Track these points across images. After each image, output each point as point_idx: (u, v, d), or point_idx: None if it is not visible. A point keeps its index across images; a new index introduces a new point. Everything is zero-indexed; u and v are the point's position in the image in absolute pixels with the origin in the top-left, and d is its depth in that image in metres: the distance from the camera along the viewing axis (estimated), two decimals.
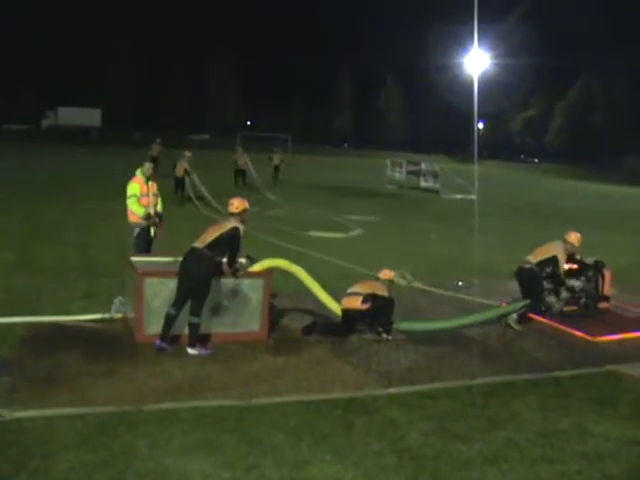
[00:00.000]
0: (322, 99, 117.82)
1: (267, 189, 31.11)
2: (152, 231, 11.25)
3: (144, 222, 11.08)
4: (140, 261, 9.62)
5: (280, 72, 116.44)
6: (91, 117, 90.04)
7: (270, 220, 21.11)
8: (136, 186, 11.08)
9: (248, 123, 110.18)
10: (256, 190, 30.52)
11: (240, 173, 33.65)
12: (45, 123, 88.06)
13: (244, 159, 34.03)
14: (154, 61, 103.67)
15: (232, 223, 8.93)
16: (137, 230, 11.10)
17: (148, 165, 11.39)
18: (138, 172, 11.32)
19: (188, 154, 27.47)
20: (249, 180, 33.46)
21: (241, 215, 9.10)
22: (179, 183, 26.69)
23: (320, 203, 28.33)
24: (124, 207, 11.30)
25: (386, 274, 10.46)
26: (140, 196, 11.07)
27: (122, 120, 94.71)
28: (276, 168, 37.45)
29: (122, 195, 11.31)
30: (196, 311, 8.68)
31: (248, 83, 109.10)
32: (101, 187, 27.89)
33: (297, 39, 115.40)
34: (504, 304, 11.50)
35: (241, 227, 8.94)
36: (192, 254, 8.74)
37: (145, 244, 11.12)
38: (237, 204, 9.11)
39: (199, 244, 8.77)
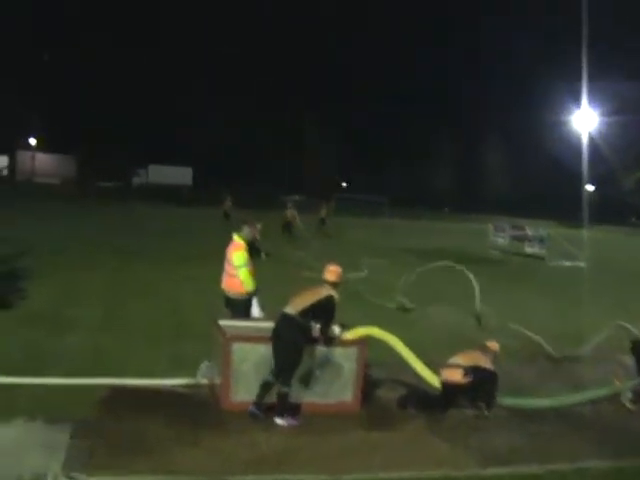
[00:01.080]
0: (420, 158, 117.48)
1: (373, 259, 28.67)
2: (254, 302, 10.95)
3: (249, 296, 10.65)
4: (228, 325, 9.57)
5: (377, 131, 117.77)
6: (182, 175, 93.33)
7: (361, 284, 20.47)
8: (244, 255, 10.54)
9: (344, 185, 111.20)
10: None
11: (287, 227, 36.61)
12: (136, 181, 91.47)
13: (293, 214, 37.42)
14: (246, 120, 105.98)
15: (327, 290, 8.98)
16: (240, 301, 10.58)
17: (247, 229, 10.86)
18: (237, 237, 10.78)
19: (258, 226, 28.88)
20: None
21: (336, 283, 9.18)
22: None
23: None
24: (217, 270, 11.13)
25: (493, 345, 10.07)
26: (248, 265, 10.67)
27: (214, 178, 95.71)
28: (322, 221, 40.83)
29: (214, 257, 11.28)
30: (286, 380, 8.58)
31: (344, 142, 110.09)
32: (193, 246, 28.23)
33: (391, 96, 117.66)
34: (618, 381, 10.90)
35: (336, 295, 8.96)
36: (284, 320, 8.70)
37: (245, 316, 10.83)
38: (335, 272, 9.24)
39: (291, 310, 8.73)
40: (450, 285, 20.93)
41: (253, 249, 20.01)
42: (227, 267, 10.62)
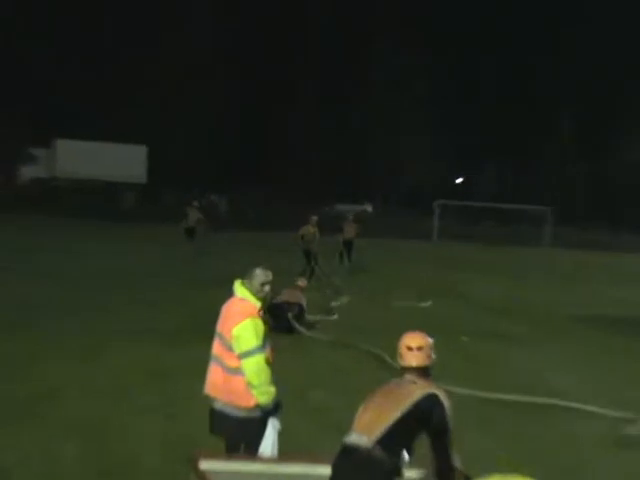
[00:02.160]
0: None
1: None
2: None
3: (263, 412, 6.38)
4: (221, 471, 5.56)
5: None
6: (126, 161, 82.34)
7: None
8: (257, 328, 6.26)
9: (458, 181, 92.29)
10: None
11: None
12: (29, 172, 74.83)
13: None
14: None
15: (422, 386, 5.28)
16: (247, 423, 6.28)
17: (262, 275, 6.42)
18: (242, 291, 6.43)
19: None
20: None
21: (428, 368, 5.52)
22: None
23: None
24: (192, 358, 8.50)
25: None
26: (264, 349, 6.36)
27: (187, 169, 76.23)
28: (347, 243, 28.72)
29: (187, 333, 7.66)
30: None
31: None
32: (139, 310, 18.20)
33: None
34: None
35: (441, 393, 5.25)
36: (352, 460, 5.03)
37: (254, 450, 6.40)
38: (419, 343, 5.53)
39: (363, 437, 5.07)
40: None
41: (273, 311, 14.53)
42: (220, 354, 6.43)
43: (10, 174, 64.46)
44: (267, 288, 6.45)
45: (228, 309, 6.47)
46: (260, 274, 6.45)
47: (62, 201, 56.57)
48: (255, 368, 6.18)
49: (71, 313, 16.48)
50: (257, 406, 6.27)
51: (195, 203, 31.34)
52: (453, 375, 11.32)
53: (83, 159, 63.08)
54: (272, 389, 6.29)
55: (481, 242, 53.07)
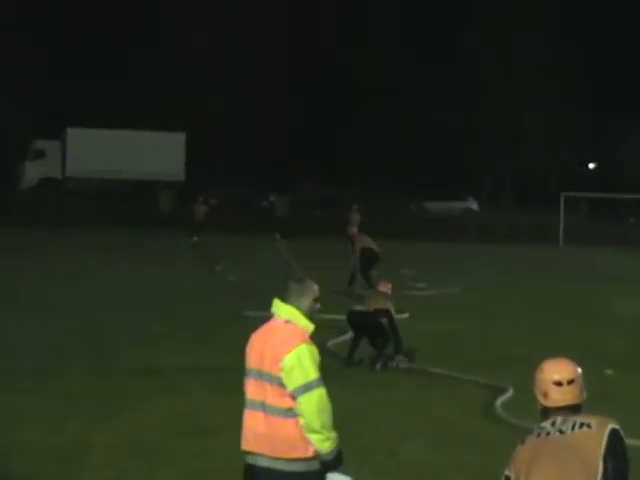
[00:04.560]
0: None
1: None
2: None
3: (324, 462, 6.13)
4: None
5: None
6: (161, 153, 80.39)
7: None
8: (313, 356, 6.15)
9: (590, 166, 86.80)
10: None
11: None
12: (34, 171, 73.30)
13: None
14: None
15: (599, 424, 5.18)
16: (312, 473, 6.08)
17: (311, 289, 6.31)
18: (290, 312, 6.24)
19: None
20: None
21: (581, 407, 5.46)
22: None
23: None
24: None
25: None
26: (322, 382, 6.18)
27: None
28: (367, 253, 27.03)
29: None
30: None
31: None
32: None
33: None
34: None
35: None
36: None
37: None
38: (570, 374, 5.46)
39: None
40: None
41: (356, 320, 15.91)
42: (259, 396, 6.16)
43: (11, 175, 62.80)
44: (319, 305, 6.27)
45: (268, 336, 6.15)
46: (314, 287, 6.25)
47: (74, 208, 54.57)
48: (316, 406, 5.92)
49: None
50: (316, 457, 5.98)
51: (200, 198, 33.35)
52: None
53: (102, 152, 61.62)
54: (335, 433, 6.05)
55: (623, 244, 51.37)
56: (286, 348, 5.96)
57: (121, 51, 72.61)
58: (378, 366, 15.52)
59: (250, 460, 6.11)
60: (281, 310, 6.17)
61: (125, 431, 11.56)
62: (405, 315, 19.35)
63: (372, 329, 15.82)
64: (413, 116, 77.14)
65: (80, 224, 48.37)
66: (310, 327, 6.15)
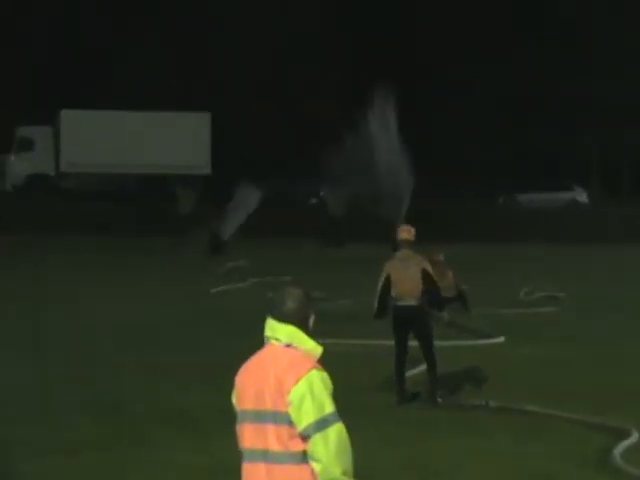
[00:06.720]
0: None
1: None
2: None
3: None
4: None
5: None
6: (184, 140, 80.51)
7: None
8: (326, 384, 6.53)
9: None
10: None
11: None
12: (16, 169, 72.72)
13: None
14: None
15: None
16: None
17: (309, 298, 6.54)
18: (293, 333, 6.49)
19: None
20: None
21: None
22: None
23: None
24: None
25: None
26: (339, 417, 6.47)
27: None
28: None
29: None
30: None
31: None
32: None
33: None
34: None
35: None
36: None
37: None
38: None
39: None
40: None
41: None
42: (259, 442, 6.32)
43: None
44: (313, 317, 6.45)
45: (266, 366, 6.27)
46: (309, 294, 6.51)
47: (71, 212, 56.07)
48: (336, 447, 6.07)
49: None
50: None
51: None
52: None
53: (104, 140, 62.46)
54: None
55: None
56: (293, 377, 6.08)
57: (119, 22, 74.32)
58: (439, 399, 15.46)
59: None
60: (279, 332, 6.29)
61: None
62: (500, 339, 19.74)
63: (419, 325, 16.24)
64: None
65: (78, 232, 49.21)
66: (318, 350, 6.32)
